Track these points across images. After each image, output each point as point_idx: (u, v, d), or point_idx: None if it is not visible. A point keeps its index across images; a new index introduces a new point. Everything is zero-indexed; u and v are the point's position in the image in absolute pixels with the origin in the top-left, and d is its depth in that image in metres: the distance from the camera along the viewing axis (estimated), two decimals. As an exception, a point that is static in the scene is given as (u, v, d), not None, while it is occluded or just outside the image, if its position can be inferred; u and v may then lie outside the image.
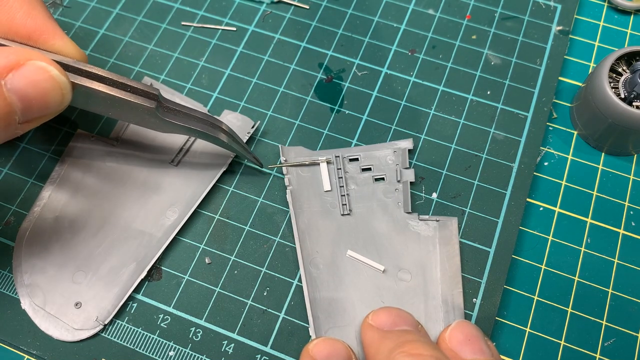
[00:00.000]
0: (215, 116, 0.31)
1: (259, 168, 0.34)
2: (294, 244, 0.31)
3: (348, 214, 0.32)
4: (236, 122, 0.35)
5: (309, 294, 0.30)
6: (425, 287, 0.30)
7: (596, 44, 0.39)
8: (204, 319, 0.30)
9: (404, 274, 0.31)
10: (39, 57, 0.24)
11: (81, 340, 0.30)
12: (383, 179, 0.33)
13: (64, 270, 0.31)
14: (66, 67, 0.26)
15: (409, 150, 0.34)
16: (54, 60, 0.26)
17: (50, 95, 0.25)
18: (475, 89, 0.37)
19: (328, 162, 0.33)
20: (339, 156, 0.33)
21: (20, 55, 0.24)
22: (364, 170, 0.33)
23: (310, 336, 0.29)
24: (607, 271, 0.32)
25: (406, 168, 0.33)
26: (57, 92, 0.25)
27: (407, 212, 0.32)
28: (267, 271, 0.31)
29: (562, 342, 0.30)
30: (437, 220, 0.32)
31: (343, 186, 0.33)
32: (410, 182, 0.33)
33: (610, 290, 0.31)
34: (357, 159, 0.34)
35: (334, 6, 0.40)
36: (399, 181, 0.33)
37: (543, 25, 0.39)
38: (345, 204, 0.32)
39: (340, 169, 0.33)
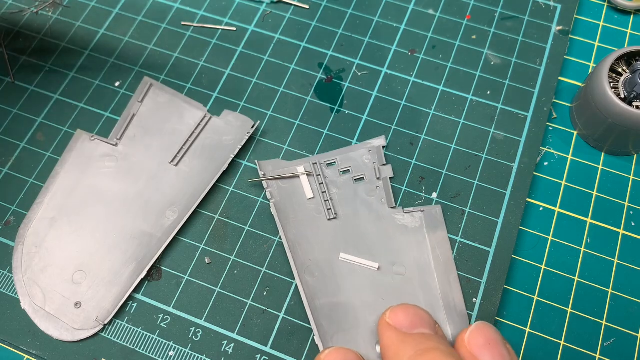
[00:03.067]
0: None
1: None
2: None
3: (334, 218, 0.32)
4: (236, 122, 0.35)
5: (309, 303, 0.30)
6: (421, 278, 0.30)
7: (596, 44, 0.39)
8: (203, 319, 0.30)
9: (399, 267, 0.31)
10: None
11: (81, 340, 0.30)
12: (363, 178, 0.33)
13: (64, 270, 0.31)
14: None
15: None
16: None
17: None
18: (475, 89, 0.37)
19: (308, 174, 0.33)
20: (316, 163, 0.33)
21: None
22: (342, 173, 0.33)
23: (316, 345, 0.29)
24: (607, 271, 0.32)
25: (383, 165, 0.33)
26: None
27: (392, 207, 0.32)
28: (267, 271, 0.31)
29: (562, 342, 0.30)
30: (422, 211, 0.32)
31: (325, 192, 0.33)
32: (390, 178, 0.33)
33: (610, 290, 0.31)
34: (334, 163, 0.34)
35: (334, 6, 0.40)
36: (378, 178, 0.33)
37: (543, 25, 0.39)
38: (330, 209, 0.32)
39: (320, 175, 0.33)
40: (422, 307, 0.27)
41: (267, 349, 0.30)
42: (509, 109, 0.36)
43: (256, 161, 0.34)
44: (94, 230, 0.32)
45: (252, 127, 0.35)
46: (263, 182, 0.33)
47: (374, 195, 0.33)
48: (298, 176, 0.33)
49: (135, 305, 0.31)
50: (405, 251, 0.31)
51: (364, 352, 0.29)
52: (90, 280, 0.31)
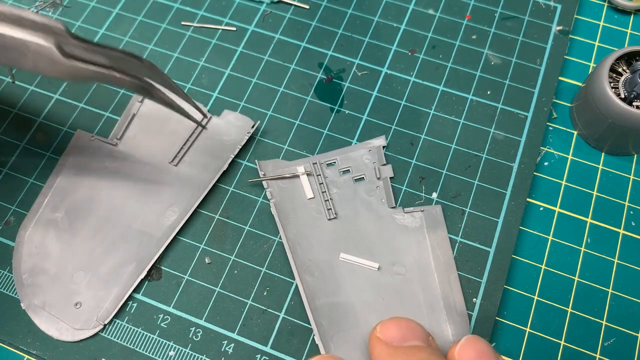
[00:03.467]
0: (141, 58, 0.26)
1: (202, 125, 0.32)
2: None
3: (335, 218, 0.32)
4: (236, 122, 0.35)
5: (309, 302, 0.30)
6: (421, 278, 0.30)
7: (596, 44, 0.39)
8: (203, 319, 0.30)
9: (399, 267, 0.31)
10: None
11: (81, 340, 0.30)
12: (363, 178, 0.33)
13: (64, 270, 0.31)
14: None
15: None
16: None
17: None
18: (475, 89, 0.37)
19: (308, 174, 0.33)
20: (316, 163, 0.33)
21: None
22: (342, 172, 0.33)
23: (316, 345, 0.29)
24: (607, 271, 0.32)
25: (383, 165, 0.33)
26: None
27: (392, 207, 0.32)
28: (267, 271, 0.31)
29: (562, 342, 0.30)
30: (422, 211, 0.32)
31: (325, 191, 0.33)
32: (390, 178, 0.33)
33: (610, 290, 0.31)
34: (334, 163, 0.34)
35: (334, 6, 0.40)
36: (378, 178, 0.33)
37: (543, 25, 0.39)
38: (330, 209, 0.32)
39: (320, 175, 0.33)
40: (413, 320, 0.27)
41: (267, 349, 0.30)
42: (509, 109, 0.36)
43: (256, 161, 0.34)
44: (94, 230, 0.32)
45: (252, 127, 0.35)
46: (263, 182, 0.33)
47: (374, 195, 0.33)
48: (298, 176, 0.33)
49: (135, 305, 0.31)
50: (405, 251, 0.31)
51: (363, 352, 0.29)
52: (90, 280, 0.31)
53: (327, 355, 0.28)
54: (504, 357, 0.25)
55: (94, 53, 0.25)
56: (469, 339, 0.25)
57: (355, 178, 0.33)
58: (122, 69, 0.25)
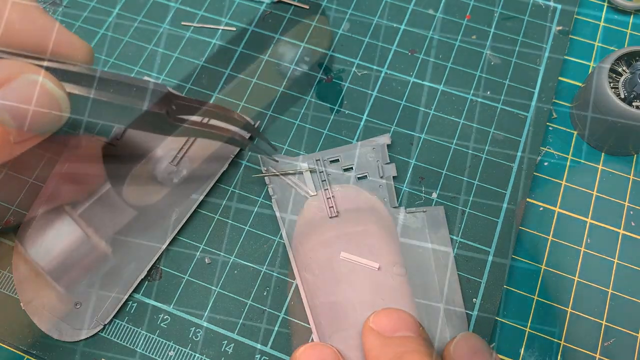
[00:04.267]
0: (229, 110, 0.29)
1: (273, 158, 0.33)
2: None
3: (336, 216, 0.32)
4: (236, 122, 0.35)
5: (308, 301, 0.30)
6: (422, 279, 0.30)
7: (596, 44, 0.39)
8: (203, 319, 0.30)
9: (399, 268, 0.31)
10: (32, 70, 0.22)
11: (81, 340, 0.30)
12: (366, 176, 0.33)
13: (64, 270, 0.31)
14: (64, 74, 0.24)
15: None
16: (49, 68, 0.24)
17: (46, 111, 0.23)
18: (475, 89, 0.37)
19: (311, 171, 0.33)
20: (319, 159, 0.33)
21: (12, 69, 0.22)
22: (345, 170, 0.33)
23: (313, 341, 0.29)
24: (607, 271, 0.32)
25: (387, 163, 0.33)
26: (53, 107, 0.23)
27: (394, 207, 0.32)
28: (267, 271, 0.31)
29: (562, 342, 0.30)
30: (424, 211, 0.32)
31: (328, 189, 0.33)
32: (394, 177, 0.33)
33: (610, 290, 0.31)
34: (337, 160, 0.34)
35: (334, 6, 0.40)
36: (382, 177, 0.33)
37: (543, 25, 0.39)
38: (332, 206, 0.32)
39: (323, 171, 0.33)
40: (405, 311, 0.27)
41: (267, 349, 0.30)
42: (509, 109, 0.36)
43: (259, 156, 0.34)
44: (94, 230, 0.32)
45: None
46: (265, 178, 0.33)
47: (376, 194, 0.33)
48: (301, 172, 0.33)
49: (135, 305, 0.31)
50: (406, 251, 0.31)
51: (362, 352, 0.29)
52: (90, 280, 0.31)
53: (318, 342, 0.28)
54: (499, 355, 0.26)
55: (191, 110, 0.28)
56: (464, 335, 0.26)
57: (359, 176, 0.33)
58: (214, 124, 0.29)
